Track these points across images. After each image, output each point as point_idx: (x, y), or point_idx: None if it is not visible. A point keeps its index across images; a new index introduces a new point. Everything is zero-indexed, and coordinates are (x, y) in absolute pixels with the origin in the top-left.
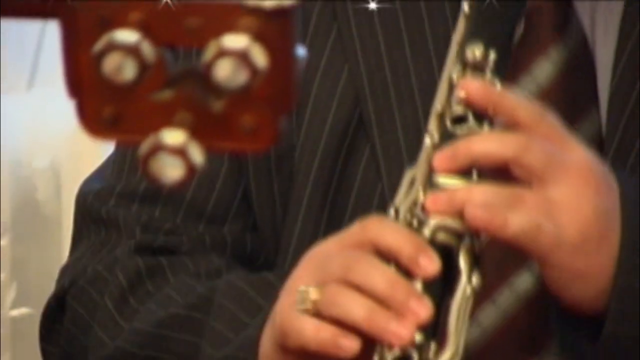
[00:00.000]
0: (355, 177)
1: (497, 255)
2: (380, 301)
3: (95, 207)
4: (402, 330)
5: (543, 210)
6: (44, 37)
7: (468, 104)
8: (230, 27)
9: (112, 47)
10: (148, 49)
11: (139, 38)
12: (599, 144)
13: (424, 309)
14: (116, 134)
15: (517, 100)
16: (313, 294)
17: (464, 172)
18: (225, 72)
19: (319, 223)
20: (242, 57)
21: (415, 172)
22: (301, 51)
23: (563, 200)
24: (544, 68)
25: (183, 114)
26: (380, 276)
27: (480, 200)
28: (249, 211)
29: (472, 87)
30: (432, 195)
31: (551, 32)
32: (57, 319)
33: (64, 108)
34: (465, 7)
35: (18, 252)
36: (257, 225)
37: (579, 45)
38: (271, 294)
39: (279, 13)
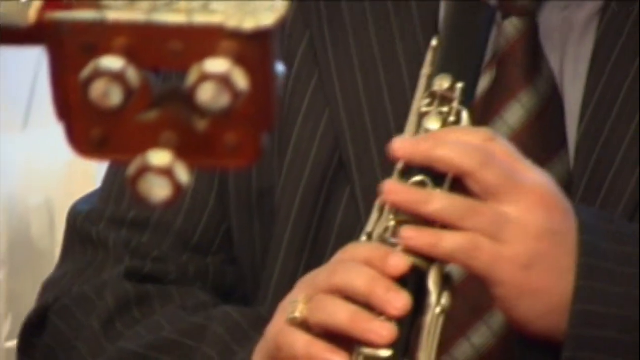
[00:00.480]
0: (336, 217)
1: (472, 294)
2: (363, 300)
3: (86, 227)
4: (384, 330)
5: (494, 223)
6: (38, 78)
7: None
8: (212, 50)
9: (99, 74)
10: (133, 75)
11: (124, 64)
12: (569, 185)
13: (402, 300)
14: (104, 155)
15: (452, 151)
16: (302, 303)
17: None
18: (208, 95)
19: (300, 262)
20: (224, 80)
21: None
22: (280, 68)
23: (513, 217)
24: (515, 112)
25: (168, 134)
26: (359, 275)
27: (437, 205)
28: (231, 246)
29: (397, 146)
30: (392, 185)
31: (522, 76)
32: (36, 333)
33: (58, 148)
34: (434, 41)
35: (13, 285)
36: (236, 260)
37: (549, 90)
38: (264, 330)
39: (259, 36)
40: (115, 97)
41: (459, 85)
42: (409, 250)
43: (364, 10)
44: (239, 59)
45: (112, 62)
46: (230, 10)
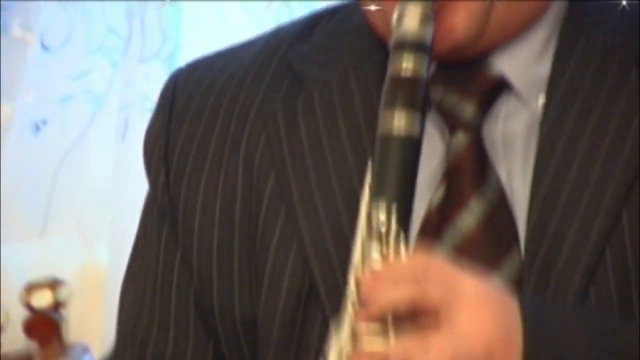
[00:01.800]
0: (313, 338)
1: None
2: None
3: None
4: None
5: (453, 345)
6: (56, 186)
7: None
8: None
9: None
10: None
11: None
12: (520, 282)
13: None
14: None
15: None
16: None
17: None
18: None
19: None
20: None
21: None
22: None
23: (467, 327)
24: (467, 219)
25: None
26: None
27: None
28: None
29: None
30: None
31: (471, 186)
32: None
33: (72, 254)
34: (368, 177)
35: None
36: None
37: (496, 196)
38: None
39: None
40: None
41: (394, 217)
42: None
43: (321, 143)
44: None
45: None
46: None
